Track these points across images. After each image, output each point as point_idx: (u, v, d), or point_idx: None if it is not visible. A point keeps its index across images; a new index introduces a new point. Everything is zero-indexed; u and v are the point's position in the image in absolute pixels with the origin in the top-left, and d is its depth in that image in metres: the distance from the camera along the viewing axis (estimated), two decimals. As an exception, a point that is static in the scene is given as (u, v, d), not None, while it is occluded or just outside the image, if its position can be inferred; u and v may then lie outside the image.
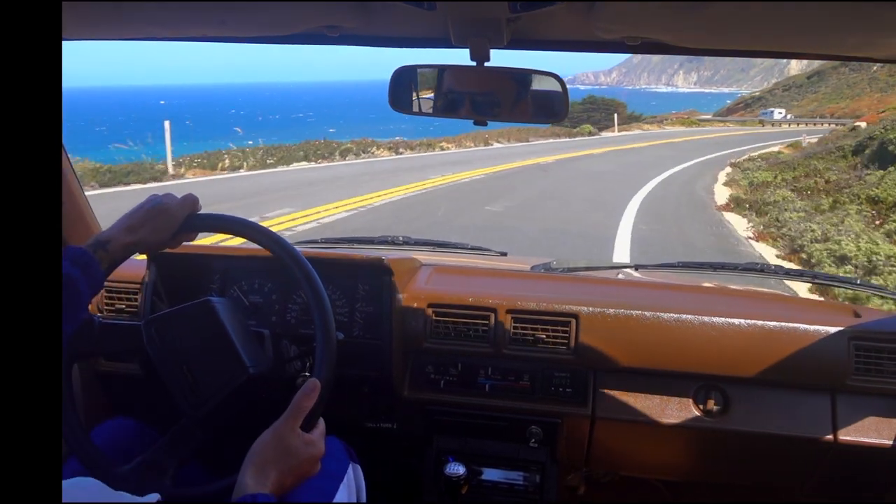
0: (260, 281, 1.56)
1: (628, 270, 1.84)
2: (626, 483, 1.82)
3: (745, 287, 1.98)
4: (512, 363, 1.50)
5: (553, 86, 1.13)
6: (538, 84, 1.15)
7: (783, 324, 1.42)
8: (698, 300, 1.64)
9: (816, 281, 1.72)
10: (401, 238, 1.92)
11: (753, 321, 1.42)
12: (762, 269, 1.73)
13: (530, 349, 1.48)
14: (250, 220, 1.15)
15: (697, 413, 1.44)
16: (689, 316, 1.45)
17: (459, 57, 1.09)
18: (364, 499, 1.18)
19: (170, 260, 1.55)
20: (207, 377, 1.05)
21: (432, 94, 1.17)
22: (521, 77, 1.14)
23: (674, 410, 1.45)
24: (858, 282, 1.69)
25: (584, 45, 1.17)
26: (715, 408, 1.43)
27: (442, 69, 1.15)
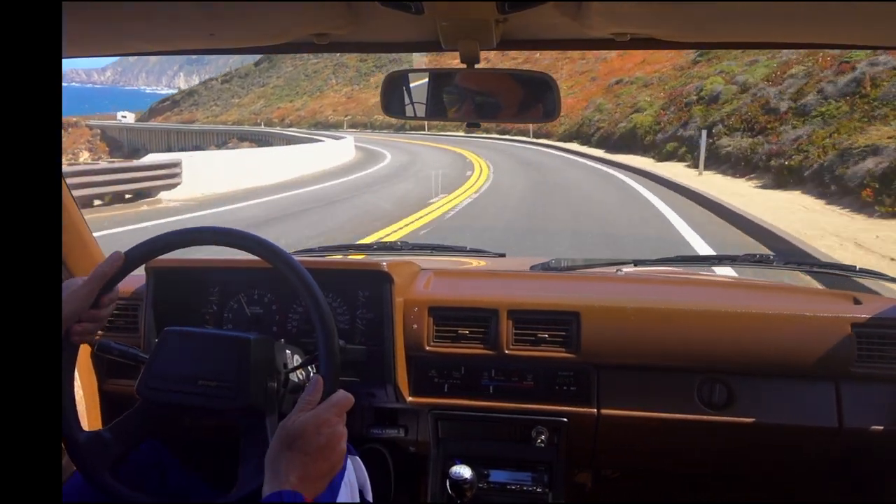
0: (259, 291, 1.56)
1: (627, 266, 1.84)
2: (634, 477, 1.82)
3: (744, 278, 1.98)
4: (515, 364, 1.49)
5: (545, 85, 1.14)
6: (529, 84, 1.16)
7: (784, 313, 1.42)
8: (698, 293, 1.65)
9: (815, 270, 1.72)
10: (399, 243, 1.92)
11: (754, 312, 1.42)
12: (760, 259, 1.73)
13: (533, 349, 1.48)
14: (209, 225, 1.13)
15: (702, 406, 1.44)
16: (689, 309, 1.44)
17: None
18: (369, 489, 1.18)
19: (167, 275, 1.54)
20: (223, 372, 1.07)
21: (425, 98, 1.17)
22: (513, 77, 1.14)
23: (678, 405, 1.44)
24: (858, 269, 1.69)
25: (573, 43, 1.17)
26: (719, 400, 1.43)
27: (433, 72, 1.15)
